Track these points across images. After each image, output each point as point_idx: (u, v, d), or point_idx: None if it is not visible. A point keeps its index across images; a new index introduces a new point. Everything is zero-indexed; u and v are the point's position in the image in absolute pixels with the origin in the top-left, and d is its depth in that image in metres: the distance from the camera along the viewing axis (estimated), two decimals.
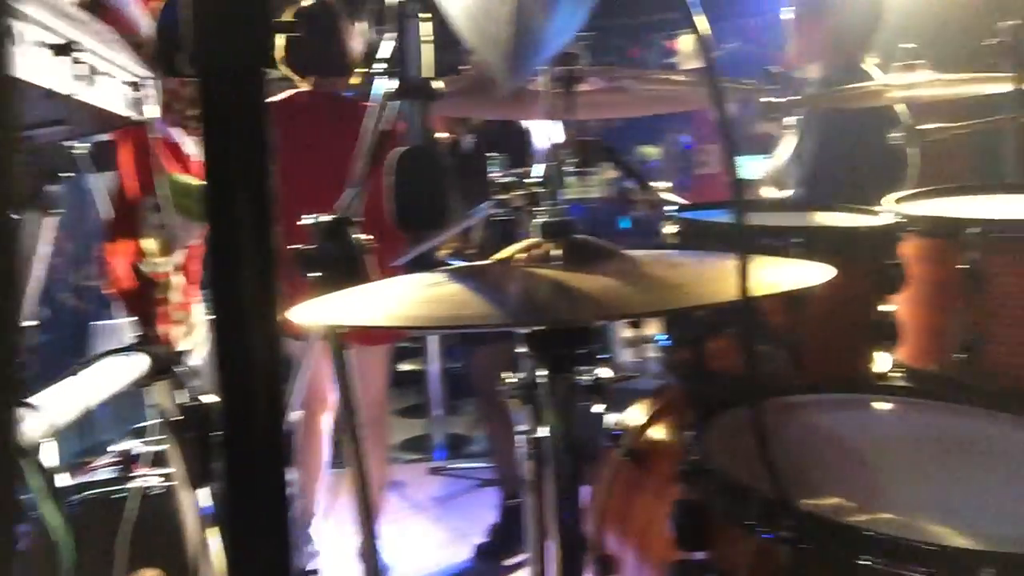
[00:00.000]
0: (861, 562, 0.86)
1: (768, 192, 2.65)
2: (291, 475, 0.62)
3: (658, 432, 1.63)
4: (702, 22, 0.76)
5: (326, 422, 2.91)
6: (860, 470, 1.08)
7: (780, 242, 1.45)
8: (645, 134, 6.25)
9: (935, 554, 0.84)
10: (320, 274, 1.15)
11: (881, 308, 1.55)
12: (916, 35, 2.07)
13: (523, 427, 1.17)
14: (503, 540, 3.24)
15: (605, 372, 1.20)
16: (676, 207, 1.76)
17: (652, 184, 2.00)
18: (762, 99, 2.73)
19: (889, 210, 1.63)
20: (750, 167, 3.39)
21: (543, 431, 1.11)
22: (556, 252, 1.03)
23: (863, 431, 1.21)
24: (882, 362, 1.58)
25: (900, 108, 2.27)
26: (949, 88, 1.97)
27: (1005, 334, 1.50)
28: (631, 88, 1.75)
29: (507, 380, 1.15)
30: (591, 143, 1.70)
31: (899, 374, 1.63)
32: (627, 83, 1.72)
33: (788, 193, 2.65)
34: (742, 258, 0.70)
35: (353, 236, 1.18)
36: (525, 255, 1.04)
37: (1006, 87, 1.88)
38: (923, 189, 1.84)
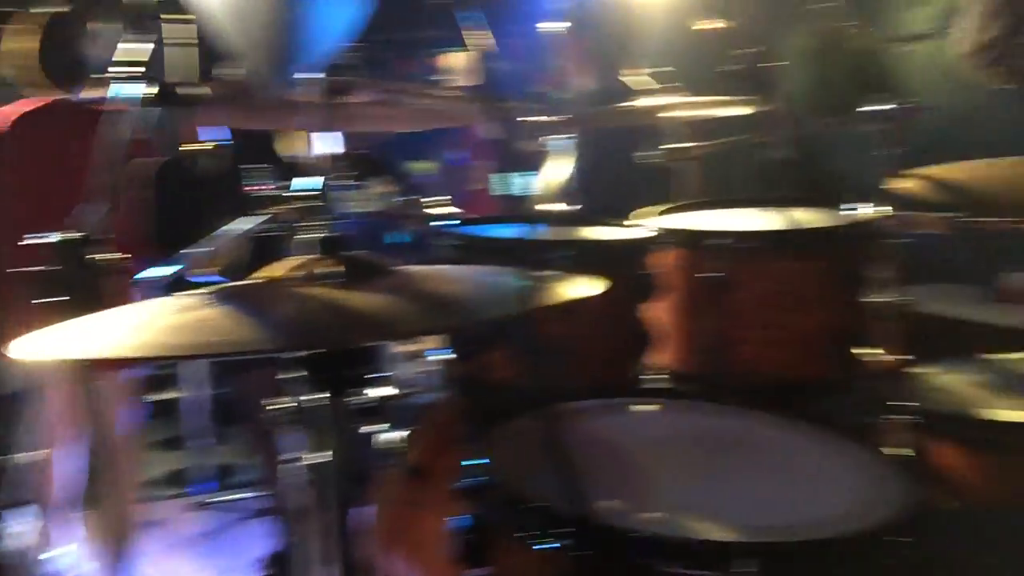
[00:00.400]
0: (637, 564, 0.89)
1: (543, 208, 2.74)
2: (28, 518, 0.53)
3: (439, 447, 1.62)
4: (486, 38, 0.75)
5: (70, 458, 2.63)
6: (630, 473, 1.13)
7: (549, 255, 1.50)
8: (421, 149, 6.26)
9: (701, 549, 0.89)
10: (57, 298, 1.02)
11: (639, 316, 1.64)
12: (670, 59, 2.22)
13: (297, 453, 1.12)
14: (279, 572, 3.10)
15: (384, 390, 1.17)
16: (453, 222, 1.77)
17: (428, 199, 2.00)
18: (524, 118, 2.83)
19: (645, 224, 1.74)
20: (523, 183, 3.48)
21: (320, 456, 1.06)
22: (329, 270, 0.99)
23: (630, 434, 1.26)
24: (643, 367, 1.67)
25: (669, 125, 2.42)
26: (702, 110, 2.14)
27: (748, 336, 1.63)
28: (404, 102, 1.73)
29: (278, 405, 1.09)
30: (366, 157, 1.67)
31: (658, 377, 1.73)
32: (399, 97, 1.71)
33: (562, 208, 2.75)
34: (528, 272, 0.71)
35: (94, 255, 1.06)
36: (295, 273, 0.99)
37: (747, 110, 2.06)
38: (674, 204, 1.98)
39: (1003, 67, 1.00)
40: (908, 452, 1.31)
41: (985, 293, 3.54)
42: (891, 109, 1.71)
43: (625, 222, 1.81)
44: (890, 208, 1.65)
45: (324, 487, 1.07)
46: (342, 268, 0.97)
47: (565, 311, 1.45)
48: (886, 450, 1.19)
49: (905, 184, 1.63)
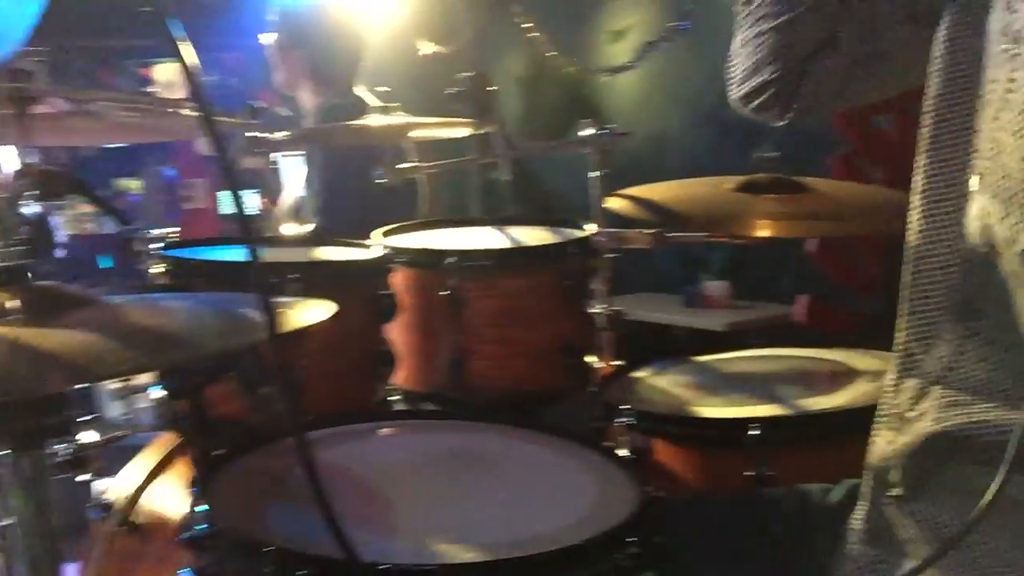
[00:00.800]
0: None
1: (276, 227, 2.62)
2: None
3: (157, 493, 1.48)
4: (188, 50, 0.69)
5: None
6: (375, 500, 1.09)
7: (278, 279, 1.42)
8: (124, 165, 5.78)
9: (444, 574, 0.88)
10: None
11: (378, 337, 1.61)
12: (391, 80, 2.22)
13: None
14: None
15: (89, 436, 1.05)
16: (163, 244, 1.62)
17: (134, 220, 1.83)
18: (248, 134, 2.70)
19: (380, 243, 1.72)
20: (248, 202, 3.32)
21: (7, 519, 0.92)
22: (10, 304, 0.85)
23: (374, 460, 1.23)
24: (383, 389, 1.64)
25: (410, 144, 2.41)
26: (427, 131, 2.16)
27: (483, 351, 1.66)
28: (104, 114, 1.57)
29: None
30: (58, 174, 1.49)
31: (399, 398, 1.71)
32: (98, 108, 1.54)
33: (295, 228, 2.66)
34: (264, 298, 0.64)
35: None
36: None
37: (469, 132, 2.11)
38: (406, 223, 1.97)
39: (777, 108, 1.09)
40: (632, 452, 1.39)
41: (685, 300, 3.94)
42: (597, 134, 1.83)
43: (361, 242, 1.77)
44: (595, 225, 1.77)
45: (15, 552, 0.93)
46: (22, 302, 0.84)
47: (297, 337, 1.38)
48: (616, 452, 1.25)
49: (614, 203, 1.75)
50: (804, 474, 1.17)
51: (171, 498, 1.45)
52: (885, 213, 1.76)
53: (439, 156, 2.19)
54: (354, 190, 2.62)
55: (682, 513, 1.13)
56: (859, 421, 1.33)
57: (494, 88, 2.50)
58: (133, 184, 5.74)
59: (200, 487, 1.06)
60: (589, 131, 1.88)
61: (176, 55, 0.68)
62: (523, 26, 4.38)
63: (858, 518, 0.87)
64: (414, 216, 2.12)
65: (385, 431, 1.35)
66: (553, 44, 4.56)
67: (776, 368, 1.65)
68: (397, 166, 2.06)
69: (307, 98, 2.96)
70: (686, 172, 1.98)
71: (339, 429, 1.31)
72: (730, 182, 1.83)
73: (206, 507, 0.99)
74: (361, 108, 2.77)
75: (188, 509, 1.02)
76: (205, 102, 0.74)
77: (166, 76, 5.35)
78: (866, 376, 1.50)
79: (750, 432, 1.28)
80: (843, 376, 1.53)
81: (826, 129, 3.61)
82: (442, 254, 1.66)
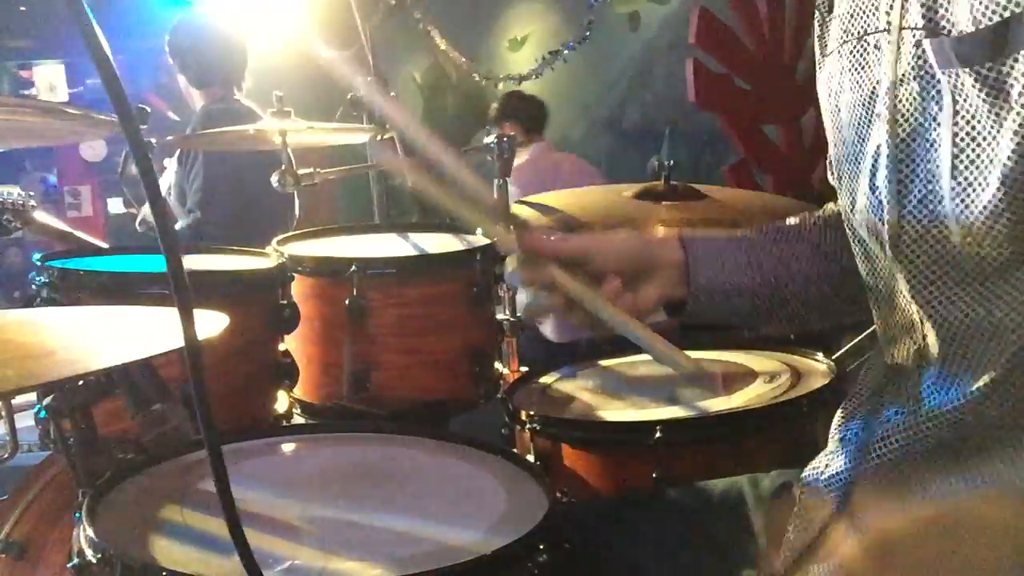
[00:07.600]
0: None
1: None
2: None
3: (42, 517, 1.40)
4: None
5: None
6: (275, 517, 1.05)
7: (167, 290, 1.37)
8: (2, 172, 5.50)
9: None
10: None
11: (279, 348, 1.57)
12: (286, 85, 2.18)
13: None
14: None
15: None
16: (42, 255, 1.53)
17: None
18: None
19: (277, 251, 1.67)
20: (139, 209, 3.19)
21: None
22: None
23: (275, 475, 1.19)
24: (282, 402, 1.60)
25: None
26: (324, 136, 2.12)
27: (388, 361, 1.64)
28: None
29: None
30: None
31: (298, 411, 1.67)
32: None
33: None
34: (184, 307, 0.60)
35: None
36: None
37: (365, 138, 2.09)
38: (305, 231, 1.93)
39: None
40: (539, 458, 1.39)
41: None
42: (495, 142, 1.84)
43: (259, 250, 1.72)
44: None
45: None
46: None
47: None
48: (524, 459, 1.25)
49: (519, 209, 1.76)
50: (706, 473, 1.20)
51: (58, 523, 1.37)
52: (775, 218, 1.82)
53: (339, 162, 2.15)
54: (246, 196, 2.56)
55: (583, 515, 1.14)
56: (757, 421, 1.38)
57: (393, 94, 2.48)
58: (11, 191, 5.45)
59: (88, 511, 1.00)
60: (491, 138, 1.88)
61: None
62: (429, 31, 4.37)
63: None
64: (305, 223, 2.07)
65: (288, 445, 1.31)
66: (456, 51, 4.56)
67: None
68: (298, 172, 2.01)
69: (195, 102, 2.93)
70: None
71: (240, 445, 1.27)
72: (629, 189, 1.86)
73: (94, 532, 0.94)
74: (243, 113, 2.72)
75: (75, 535, 0.97)
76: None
77: (48, 79, 5.09)
78: (762, 376, 1.54)
79: (655, 434, 1.30)
80: (740, 377, 1.57)
81: (718, 139, 3.73)
82: (345, 263, 1.63)
